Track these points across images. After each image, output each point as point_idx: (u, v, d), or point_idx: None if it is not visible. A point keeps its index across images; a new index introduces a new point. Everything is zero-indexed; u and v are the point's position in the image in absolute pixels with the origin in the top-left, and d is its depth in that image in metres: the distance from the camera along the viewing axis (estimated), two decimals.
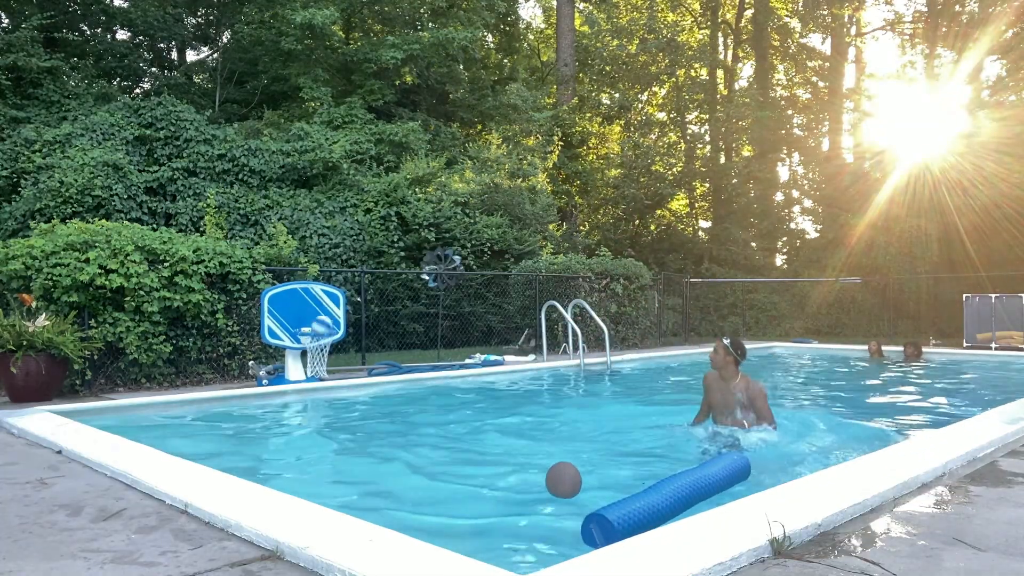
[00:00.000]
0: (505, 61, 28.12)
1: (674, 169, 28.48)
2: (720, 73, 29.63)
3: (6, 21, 18.40)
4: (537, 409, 8.17)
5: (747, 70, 31.24)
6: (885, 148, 23.04)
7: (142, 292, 8.49)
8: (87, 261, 8.26)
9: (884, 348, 13.42)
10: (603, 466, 5.10)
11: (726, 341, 5.48)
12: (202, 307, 9.02)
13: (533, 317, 14.20)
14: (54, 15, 18.09)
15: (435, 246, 15.40)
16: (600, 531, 3.06)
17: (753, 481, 4.03)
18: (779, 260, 28.06)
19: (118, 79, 20.53)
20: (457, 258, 13.57)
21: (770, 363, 13.26)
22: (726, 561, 2.62)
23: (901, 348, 12.85)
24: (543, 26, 31.83)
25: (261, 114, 19.35)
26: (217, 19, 22.71)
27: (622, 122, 28.65)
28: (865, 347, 13.70)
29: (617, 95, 28.00)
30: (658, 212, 27.67)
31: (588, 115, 25.84)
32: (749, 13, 28.20)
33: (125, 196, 13.57)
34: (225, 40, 22.83)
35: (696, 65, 28.60)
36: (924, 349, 13.03)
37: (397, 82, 19.77)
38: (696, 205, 29.80)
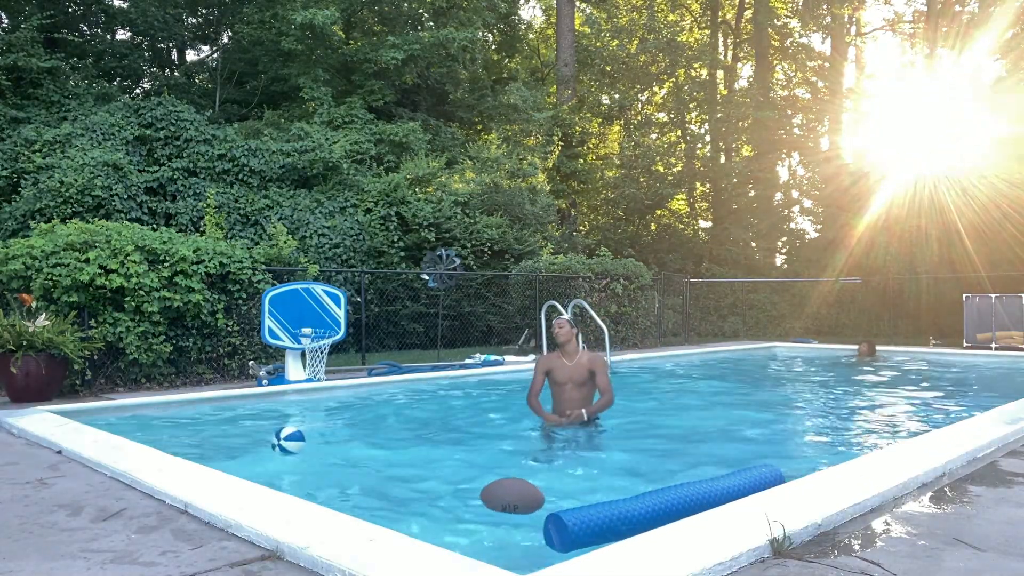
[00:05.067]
0: (505, 61, 28.12)
1: (674, 169, 28.48)
2: (720, 73, 29.62)
3: (6, 21, 18.39)
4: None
5: (747, 70, 31.26)
6: (885, 148, 23.05)
7: (142, 292, 8.49)
8: (87, 261, 8.26)
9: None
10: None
11: (567, 317, 5.91)
12: (202, 307, 9.02)
13: (533, 317, 14.20)
14: (54, 15, 18.08)
15: (435, 246, 15.40)
16: (557, 533, 3.05)
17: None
18: (779, 260, 28.04)
19: (118, 79, 20.51)
20: (457, 258, 13.58)
21: (743, 364, 13.26)
22: (726, 561, 2.62)
23: (855, 346, 13.71)
24: (543, 26, 31.82)
25: (261, 114, 19.34)
26: (217, 19, 22.69)
27: (622, 122, 28.65)
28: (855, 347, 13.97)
29: (617, 95, 28.00)
30: (658, 212, 27.66)
31: (588, 115, 25.84)
32: (749, 13, 28.20)
33: (125, 196, 13.57)
34: (225, 40, 22.83)
35: (696, 65, 28.59)
36: (927, 348, 13.10)
37: (397, 82, 19.76)
38: (696, 205, 29.79)
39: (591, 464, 5.16)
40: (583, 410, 5.68)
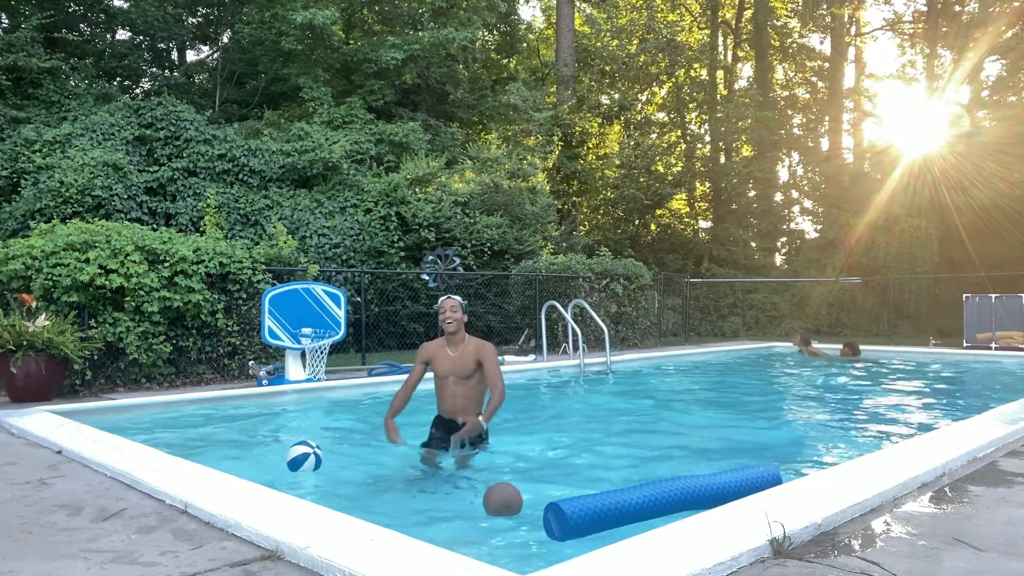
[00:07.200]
0: (505, 61, 28.11)
1: (674, 169, 28.48)
2: (720, 73, 29.62)
3: (6, 21, 18.39)
4: (535, 409, 8.17)
5: (747, 70, 31.26)
6: (885, 148, 23.06)
7: (142, 292, 8.49)
8: (87, 261, 8.26)
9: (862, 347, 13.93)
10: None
11: (461, 300, 5.01)
12: (202, 307, 9.02)
13: (533, 317, 14.20)
14: (54, 15, 18.08)
15: (435, 246, 15.40)
16: (556, 521, 3.10)
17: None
18: (779, 260, 28.06)
19: (118, 79, 20.51)
20: (457, 258, 13.58)
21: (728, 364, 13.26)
22: (726, 561, 2.62)
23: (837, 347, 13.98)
24: (543, 26, 31.82)
25: (261, 114, 19.33)
26: (217, 19, 22.69)
27: (622, 122, 28.65)
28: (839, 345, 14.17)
29: (617, 95, 28.00)
30: (658, 212, 27.68)
31: (588, 115, 25.85)
32: (749, 13, 28.20)
33: (125, 196, 13.57)
34: (225, 40, 22.82)
35: (696, 65, 28.60)
36: (927, 348, 13.11)
37: (397, 82, 19.75)
38: (696, 205, 29.80)
39: (584, 458, 5.16)
40: (480, 418, 4.78)
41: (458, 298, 5.01)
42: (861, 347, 13.94)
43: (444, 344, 4.98)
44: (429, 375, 5.15)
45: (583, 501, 3.18)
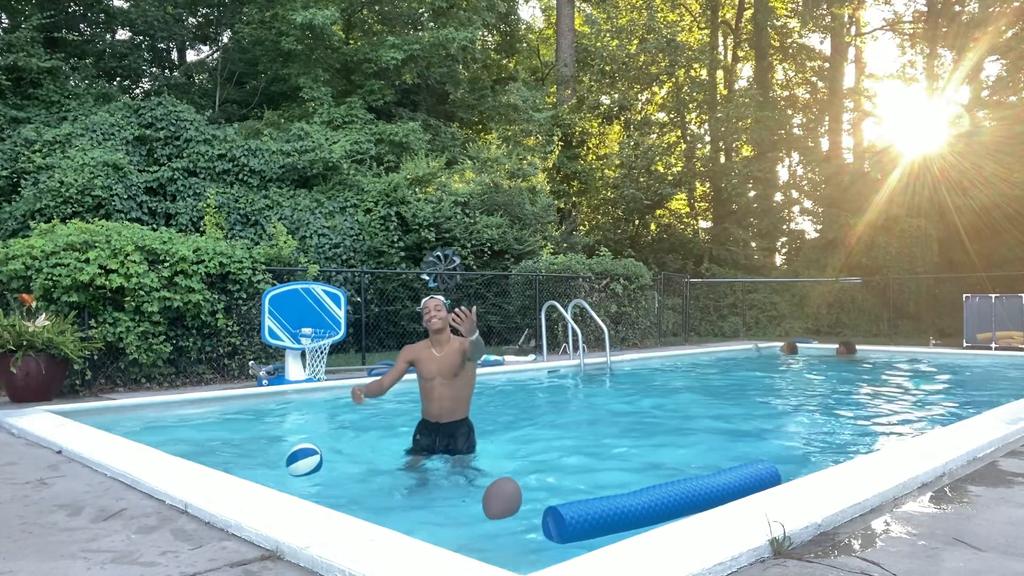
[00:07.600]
0: (505, 61, 28.11)
1: (674, 169, 28.47)
2: (720, 73, 29.61)
3: (6, 21, 18.39)
4: (535, 409, 8.17)
5: (747, 70, 31.26)
6: (885, 148, 23.06)
7: (142, 292, 8.50)
8: (87, 261, 8.26)
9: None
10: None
11: (444, 299, 4.95)
12: (202, 307, 9.02)
13: (533, 317, 14.20)
14: (54, 15, 18.08)
15: (435, 246, 15.40)
16: (555, 526, 3.10)
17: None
18: (779, 260, 28.06)
19: (118, 79, 20.50)
20: (457, 258, 13.58)
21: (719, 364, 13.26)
22: (726, 561, 2.62)
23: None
24: (543, 26, 31.82)
25: (261, 114, 19.33)
26: (217, 19, 22.69)
27: (622, 122, 28.65)
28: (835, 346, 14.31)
29: (617, 95, 28.00)
30: (658, 212, 27.67)
31: (588, 115, 25.85)
32: (749, 13, 28.20)
33: (125, 196, 13.57)
34: (225, 40, 22.82)
35: (696, 65, 28.60)
36: (926, 348, 13.15)
37: (397, 82, 19.76)
38: (696, 205, 29.80)
39: (585, 458, 5.16)
40: (472, 337, 4.53)
41: (441, 297, 4.98)
42: (859, 347, 13.95)
43: (429, 345, 4.89)
44: (411, 377, 5.04)
45: (582, 506, 3.16)
